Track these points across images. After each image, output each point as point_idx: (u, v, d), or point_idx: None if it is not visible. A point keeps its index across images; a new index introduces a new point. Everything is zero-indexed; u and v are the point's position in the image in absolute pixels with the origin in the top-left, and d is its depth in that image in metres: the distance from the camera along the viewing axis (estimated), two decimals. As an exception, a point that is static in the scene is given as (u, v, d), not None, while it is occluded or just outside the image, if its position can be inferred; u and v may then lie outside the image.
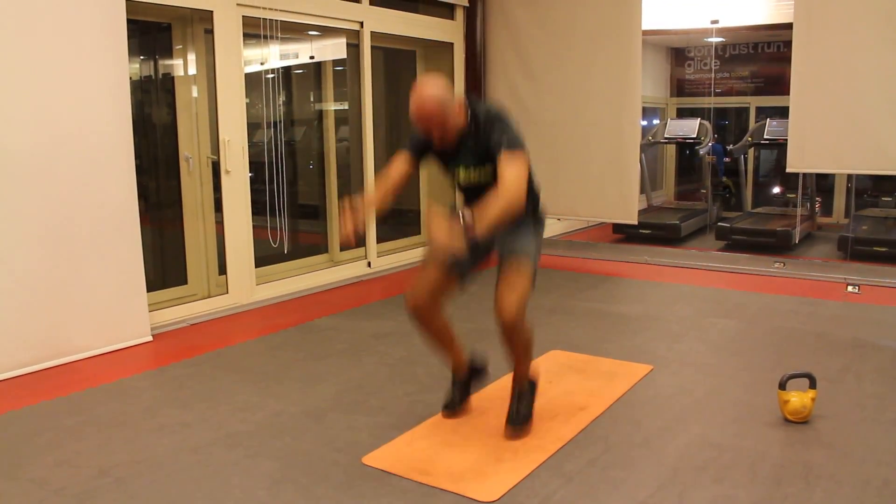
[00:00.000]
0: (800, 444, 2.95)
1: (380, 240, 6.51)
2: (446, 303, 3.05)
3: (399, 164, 2.97)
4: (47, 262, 3.98)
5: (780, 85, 9.84)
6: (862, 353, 4.06)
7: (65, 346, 4.09)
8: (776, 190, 10.24)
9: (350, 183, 6.61)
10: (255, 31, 5.25)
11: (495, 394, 3.49)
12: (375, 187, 3.00)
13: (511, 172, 2.68)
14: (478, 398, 3.44)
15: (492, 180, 2.80)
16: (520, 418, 3.05)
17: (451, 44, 7.04)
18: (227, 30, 5.01)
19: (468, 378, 3.30)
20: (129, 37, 4.28)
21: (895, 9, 5.36)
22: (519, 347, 2.97)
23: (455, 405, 3.26)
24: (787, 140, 6.00)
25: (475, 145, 2.85)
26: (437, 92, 2.74)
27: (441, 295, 2.99)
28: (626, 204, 6.57)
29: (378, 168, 6.47)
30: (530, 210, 2.96)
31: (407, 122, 7.44)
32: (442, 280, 2.95)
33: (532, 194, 2.97)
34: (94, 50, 4.11)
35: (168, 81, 5.25)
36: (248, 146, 5.24)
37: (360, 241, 2.85)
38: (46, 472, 2.80)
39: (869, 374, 3.74)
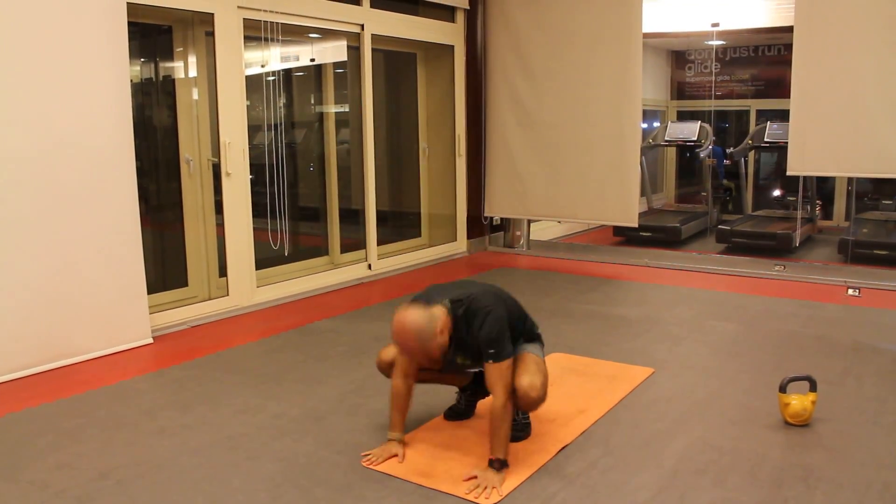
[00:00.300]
0: (800, 447, 2.95)
1: (380, 242, 6.52)
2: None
3: (405, 363, 2.93)
4: (48, 264, 3.98)
5: (780, 88, 9.86)
6: (862, 357, 4.06)
7: (65, 348, 4.09)
8: (776, 193, 10.24)
9: (350, 185, 6.61)
10: (255, 33, 5.26)
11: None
12: (393, 404, 2.97)
13: (498, 392, 2.70)
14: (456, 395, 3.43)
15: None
16: (519, 436, 3.01)
17: (452, 46, 7.05)
18: (227, 32, 5.01)
19: (475, 387, 3.24)
20: (130, 39, 4.29)
21: (895, 12, 5.36)
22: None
23: (460, 414, 3.25)
24: (787, 143, 6.00)
25: (464, 346, 2.83)
26: (414, 328, 2.65)
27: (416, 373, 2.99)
28: (626, 206, 6.57)
29: (378, 171, 6.48)
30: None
31: (407, 123, 7.47)
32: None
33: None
34: (95, 52, 4.11)
35: (169, 84, 5.25)
36: (249, 148, 5.25)
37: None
38: (46, 475, 2.80)
39: (869, 377, 3.74)
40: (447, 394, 3.53)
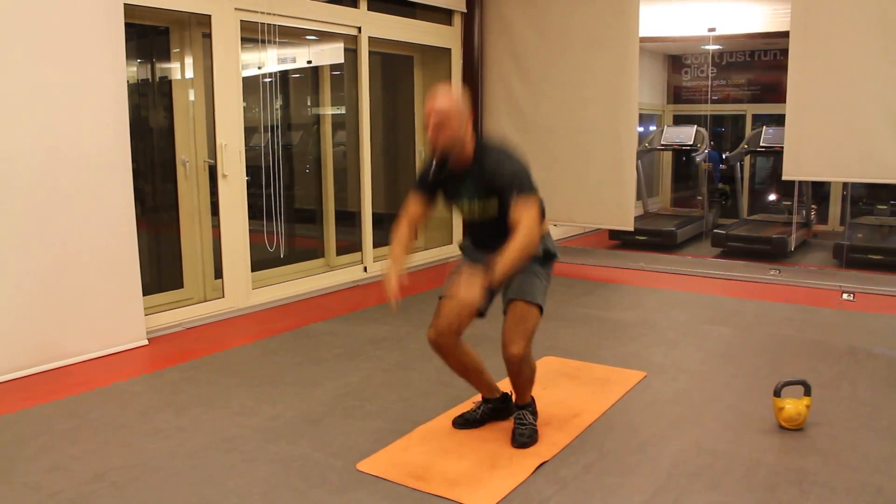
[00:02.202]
0: (794, 451, 2.96)
1: (376, 245, 6.52)
2: (464, 331, 3.02)
3: (413, 206, 3.00)
4: (44, 266, 3.98)
5: (776, 93, 9.88)
6: (857, 361, 4.07)
7: (60, 350, 4.08)
8: (772, 197, 10.27)
9: (347, 188, 6.61)
10: (252, 35, 5.26)
11: (491, 399, 3.49)
12: (395, 238, 3.01)
13: (526, 218, 2.71)
14: (471, 405, 3.43)
15: (497, 215, 2.85)
16: (527, 443, 3.00)
17: (449, 49, 7.06)
18: (224, 34, 5.01)
19: (497, 406, 3.22)
20: (127, 40, 4.28)
21: (891, 18, 5.39)
22: (523, 379, 3.00)
23: (470, 423, 3.20)
24: (783, 148, 6.02)
25: (481, 178, 2.86)
26: (451, 100, 2.79)
27: (460, 327, 2.98)
28: (622, 210, 6.58)
29: (375, 173, 6.49)
30: (540, 249, 2.97)
31: (404, 126, 7.47)
32: (461, 315, 2.93)
33: (543, 236, 2.99)
34: (91, 53, 4.11)
35: (165, 85, 5.25)
36: (245, 150, 5.25)
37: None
38: (41, 477, 2.79)
39: (863, 381, 3.75)
40: (445, 397, 3.54)
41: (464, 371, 3.10)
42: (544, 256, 2.99)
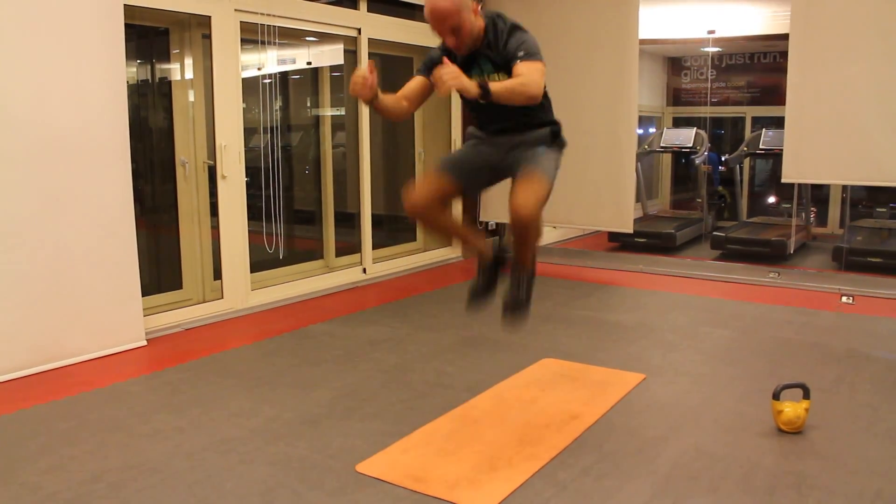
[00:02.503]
0: (793, 455, 2.95)
1: (375, 246, 6.51)
2: (447, 205, 2.93)
3: (411, 84, 2.96)
4: (42, 266, 3.97)
5: (775, 95, 9.88)
6: (856, 364, 4.07)
7: (59, 350, 4.08)
8: (771, 200, 10.27)
9: (346, 189, 6.61)
10: (252, 36, 5.26)
11: (489, 403, 3.49)
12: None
13: (528, 71, 2.67)
14: (471, 407, 3.44)
15: None
16: (520, 304, 2.89)
17: (449, 51, 7.05)
18: (224, 35, 5.01)
19: (495, 263, 3.12)
20: (127, 41, 4.28)
21: (890, 21, 5.39)
22: (529, 241, 2.88)
23: (481, 293, 3.08)
24: (782, 150, 6.01)
25: (492, 53, 2.82)
26: None
27: (441, 197, 2.89)
28: (621, 212, 6.58)
29: (374, 174, 6.48)
30: (548, 132, 2.93)
31: (404, 128, 7.45)
32: (444, 185, 2.86)
33: (549, 113, 2.97)
34: (91, 54, 4.11)
35: (165, 86, 5.25)
36: (245, 151, 5.24)
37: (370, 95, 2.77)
38: (39, 477, 2.79)
39: (863, 384, 3.75)
40: (444, 398, 3.53)
41: (449, 235, 2.98)
42: (553, 138, 2.94)
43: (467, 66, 2.90)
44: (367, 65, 2.77)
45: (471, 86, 2.56)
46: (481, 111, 2.97)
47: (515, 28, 2.83)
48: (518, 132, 2.94)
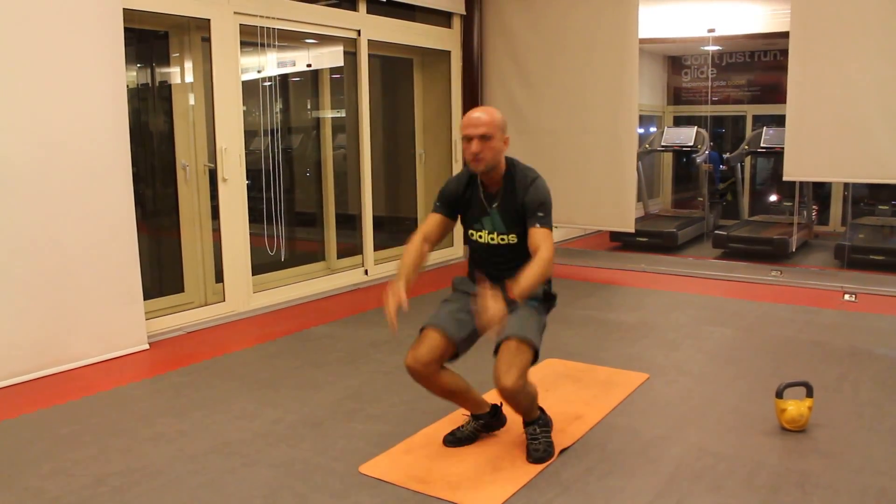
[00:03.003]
0: (796, 453, 2.95)
1: (377, 247, 6.51)
2: (443, 364, 2.94)
3: (430, 224, 3.02)
4: (44, 270, 3.98)
5: (776, 93, 9.88)
6: (859, 362, 4.06)
7: (61, 355, 4.08)
8: (773, 198, 10.26)
9: (347, 191, 6.61)
10: (252, 39, 5.26)
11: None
12: (406, 253, 2.99)
13: (545, 248, 2.76)
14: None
15: (509, 248, 2.90)
16: (543, 455, 2.91)
17: (449, 52, 7.06)
18: (224, 38, 5.02)
19: (487, 420, 3.13)
20: (127, 45, 4.29)
21: (891, 18, 5.39)
22: (524, 406, 2.90)
23: (461, 440, 3.08)
24: (783, 148, 6.01)
25: (510, 202, 2.87)
26: (495, 114, 2.86)
27: (441, 358, 2.89)
28: (623, 212, 6.58)
29: (375, 176, 6.48)
30: (541, 291, 2.98)
31: (404, 129, 7.46)
32: (441, 346, 2.88)
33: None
34: (91, 58, 4.11)
35: (165, 89, 5.25)
36: (246, 154, 5.25)
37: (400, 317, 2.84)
38: (42, 481, 2.79)
39: (866, 382, 3.75)
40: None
41: (448, 394, 2.98)
42: (545, 297, 3.00)
43: (479, 208, 2.95)
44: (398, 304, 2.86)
45: (500, 307, 2.58)
46: (485, 256, 3.02)
47: (539, 185, 2.89)
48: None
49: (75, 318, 4.13)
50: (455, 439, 3.08)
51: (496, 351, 2.78)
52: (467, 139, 2.83)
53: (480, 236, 2.98)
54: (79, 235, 4.11)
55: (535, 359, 2.81)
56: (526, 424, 2.99)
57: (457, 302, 3.01)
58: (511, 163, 2.95)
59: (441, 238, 3.06)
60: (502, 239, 2.93)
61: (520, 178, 2.90)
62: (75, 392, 3.75)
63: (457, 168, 7.18)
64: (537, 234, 2.81)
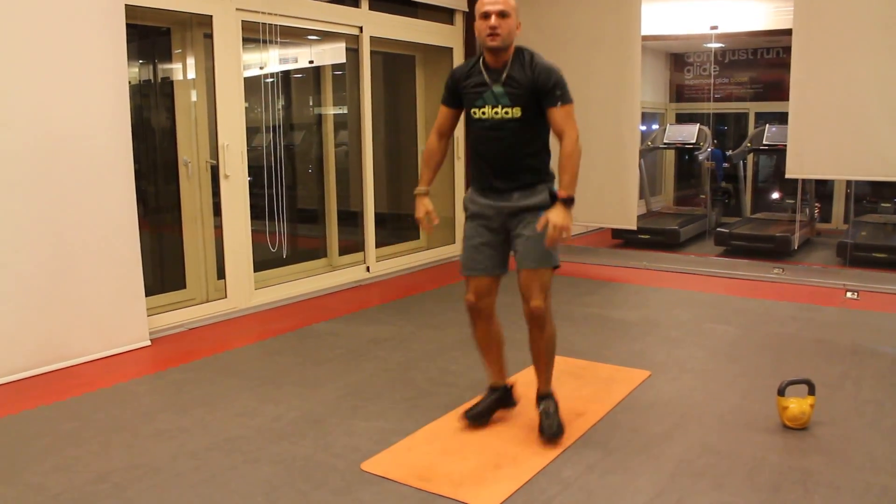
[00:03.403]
0: (798, 451, 2.95)
1: (378, 244, 6.51)
2: (496, 294, 3.14)
3: (442, 118, 3.11)
4: (46, 267, 3.98)
5: (779, 91, 9.86)
6: (861, 360, 4.06)
7: (63, 351, 4.08)
8: (775, 195, 10.24)
9: (349, 187, 6.61)
10: (254, 35, 5.25)
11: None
12: (425, 157, 3.22)
13: (570, 129, 2.83)
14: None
15: (512, 125, 2.88)
16: (555, 432, 3.01)
17: (451, 49, 7.05)
18: (226, 34, 5.01)
19: (502, 395, 3.26)
20: (129, 41, 4.28)
21: (894, 15, 5.37)
22: (546, 340, 3.07)
23: (481, 416, 3.19)
24: (786, 146, 6.00)
25: (517, 79, 2.86)
26: None
27: (491, 292, 3.09)
28: (625, 209, 6.57)
29: (377, 172, 6.48)
30: (547, 197, 2.97)
31: (406, 126, 7.45)
32: (486, 283, 3.07)
33: (548, 155, 3.03)
34: (93, 54, 4.11)
35: (167, 86, 5.25)
36: (248, 150, 5.24)
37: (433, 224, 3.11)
38: (44, 478, 2.79)
39: (868, 380, 3.74)
40: (448, 397, 3.53)
41: (489, 342, 3.16)
42: (552, 199, 2.97)
43: (481, 87, 2.94)
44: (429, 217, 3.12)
45: (567, 218, 2.81)
46: (487, 154, 3.00)
47: (550, 66, 2.90)
48: (519, 190, 2.97)
49: (77, 315, 4.13)
50: (475, 415, 3.18)
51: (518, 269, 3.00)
52: (485, 16, 2.84)
53: (484, 112, 2.94)
54: (81, 232, 4.11)
55: (554, 269, 3.02)
56: (540, 399, 3.12)
57: (474, 232, 3.07)
58: (520, 47, 2.94)
59: (453, 128, 3.14)
60: (506, 112, 2.90)
61: (528, 58, 2.89)
62: (77, 388, 3.75)
63: (458, 165, 7.18)
64: (558, 115, 2.83)
